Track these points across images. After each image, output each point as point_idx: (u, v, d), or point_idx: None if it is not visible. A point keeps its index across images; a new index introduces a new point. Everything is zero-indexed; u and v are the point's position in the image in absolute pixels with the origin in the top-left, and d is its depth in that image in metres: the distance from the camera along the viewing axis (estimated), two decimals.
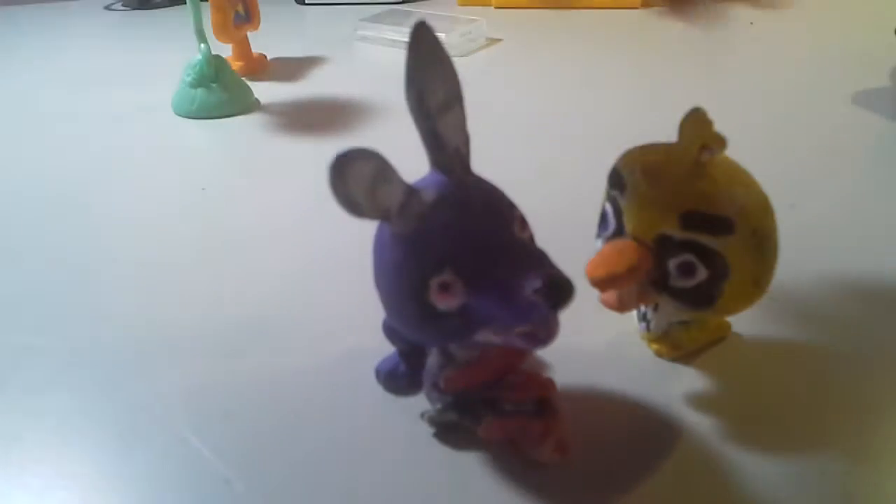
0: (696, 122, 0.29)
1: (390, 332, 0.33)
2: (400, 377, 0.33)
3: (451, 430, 0.31)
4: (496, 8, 1.10)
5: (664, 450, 0.31)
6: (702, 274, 0.30)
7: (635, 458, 0.30)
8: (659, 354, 0.36)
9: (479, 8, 1.09)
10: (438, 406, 0.31)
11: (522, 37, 0.97)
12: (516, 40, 0.95)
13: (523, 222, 0.28)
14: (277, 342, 0.38)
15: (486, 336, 0.27)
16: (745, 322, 0.36)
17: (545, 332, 0.25)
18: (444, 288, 0.25)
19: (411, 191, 0.25)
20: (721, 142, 0.29)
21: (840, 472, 0.29)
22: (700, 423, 0.32)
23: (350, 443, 0.32)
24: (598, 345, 0.37)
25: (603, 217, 0.33)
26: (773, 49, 0.88)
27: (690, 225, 0.29)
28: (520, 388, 0.31)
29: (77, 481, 0.30)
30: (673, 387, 0.34)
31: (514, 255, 0.26)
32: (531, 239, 0.28)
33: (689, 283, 0.30)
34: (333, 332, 0.39)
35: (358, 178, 0.23)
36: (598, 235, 0.33)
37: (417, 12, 1.03)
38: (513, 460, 0.30)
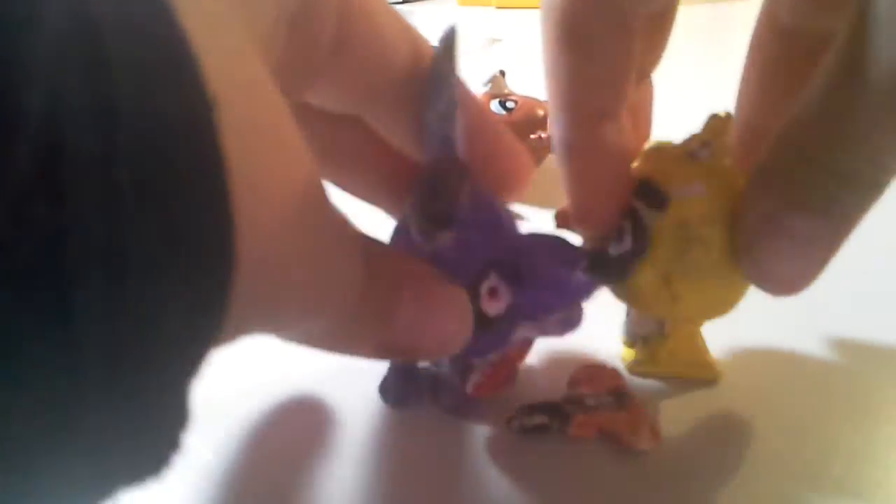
0: (716, 124, 0.29)
1: None
2: (401, 391, 0.33)
3: (539, 433, 0.31)
4: (496, 8, 1.10)
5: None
6: (627, 244, 0.30)
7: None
8: (623, 360, 0.35)
9: (479, 8, 1.09)
10: (522, 413, 0.31)
11: (522, 37, 0.97)
12: (516, 40, 0.95)
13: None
14: (277, 342, 0.38)
15: (522, 333, 0.27)
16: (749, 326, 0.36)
17: (578, 313, 0.26)
18: (493, 293, 0.25)
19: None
20: (721, 141, 0.29)
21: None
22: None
23: (350, 443, 0.32)
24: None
25: None
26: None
27: (639, 193, 0.30)
28: (591, 381, 0.31)
29: None
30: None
31: (543, 244, 0.26)
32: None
33: (617, 250, 0.30)
34: None
35: None
36: None
37: (418, 12, 1.03)
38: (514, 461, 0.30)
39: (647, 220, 0.29)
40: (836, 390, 0.34)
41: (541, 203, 0.48)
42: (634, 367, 0.34)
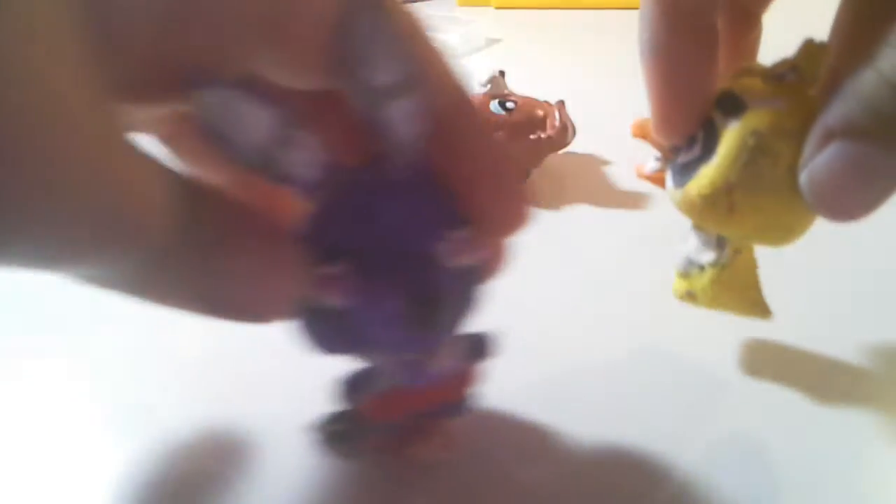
0: (808, 50, 0.28)
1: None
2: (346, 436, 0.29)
3: (341, 441, 0.29)
4: (496, 8, 1.10)
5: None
6: (696, 151, 0.29)
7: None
8: (674, 292, 0.33)
9: (479, 8, 1.08)
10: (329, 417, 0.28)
11: (522, 37, 0.97)
12: (516, 40, 0.95)
13: (462, 249, 0.22)
14: (277, 346, 0.38)
15: (388, 364, 0.24)
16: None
17: (414, 370, 0.23)
18: (326, 281, 0.21)
19: (333, 164, 0.21)
20: (810, 68, 0.28)
21: None
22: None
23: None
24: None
25: None
26: (772, 49, 0.88)
27: (718, 103, 0.29)
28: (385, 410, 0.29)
29: (76, 481, 0.30)
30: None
31: (405, 262, 0.22)
32: (469, 271, 0.23)
33: (685, 158, 0.29)
34: None
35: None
36: None
37: (417, 12, 1.03)
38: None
39: (720, 127, 0.28)
40: (836, 390, 0.34)
41: (542, 204, 0.49)
42: (686, 299, 0.33)
